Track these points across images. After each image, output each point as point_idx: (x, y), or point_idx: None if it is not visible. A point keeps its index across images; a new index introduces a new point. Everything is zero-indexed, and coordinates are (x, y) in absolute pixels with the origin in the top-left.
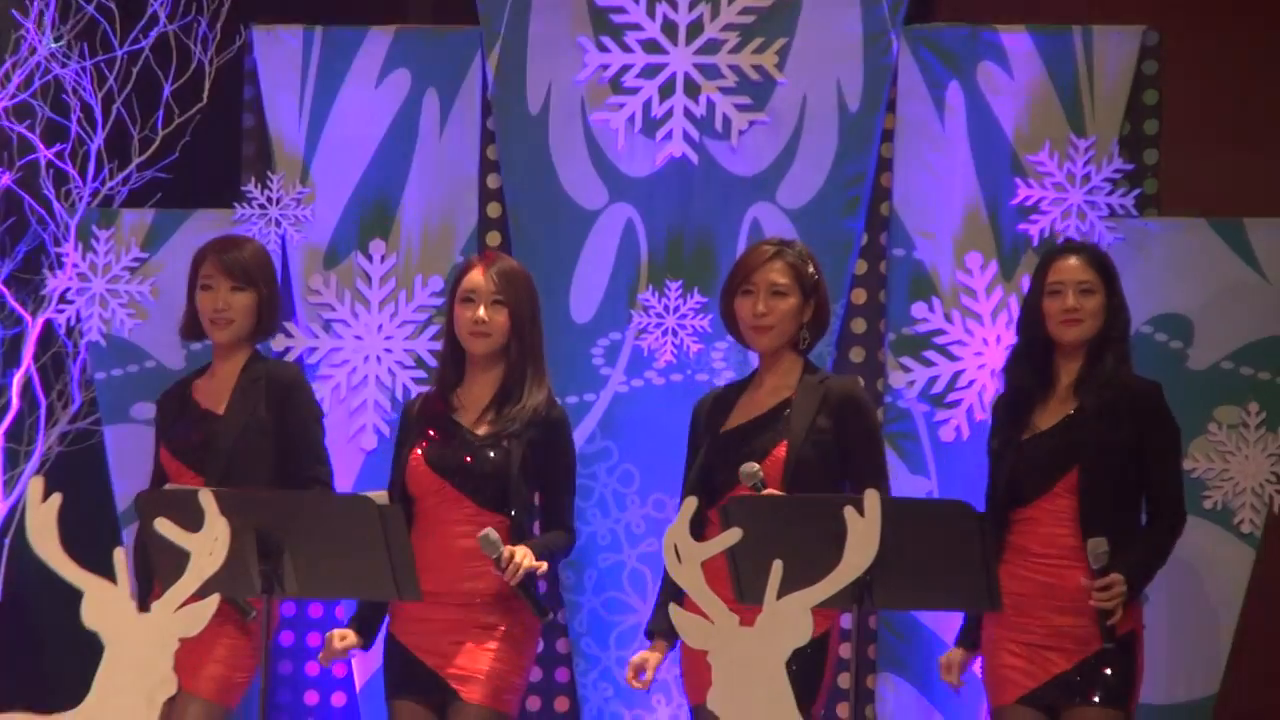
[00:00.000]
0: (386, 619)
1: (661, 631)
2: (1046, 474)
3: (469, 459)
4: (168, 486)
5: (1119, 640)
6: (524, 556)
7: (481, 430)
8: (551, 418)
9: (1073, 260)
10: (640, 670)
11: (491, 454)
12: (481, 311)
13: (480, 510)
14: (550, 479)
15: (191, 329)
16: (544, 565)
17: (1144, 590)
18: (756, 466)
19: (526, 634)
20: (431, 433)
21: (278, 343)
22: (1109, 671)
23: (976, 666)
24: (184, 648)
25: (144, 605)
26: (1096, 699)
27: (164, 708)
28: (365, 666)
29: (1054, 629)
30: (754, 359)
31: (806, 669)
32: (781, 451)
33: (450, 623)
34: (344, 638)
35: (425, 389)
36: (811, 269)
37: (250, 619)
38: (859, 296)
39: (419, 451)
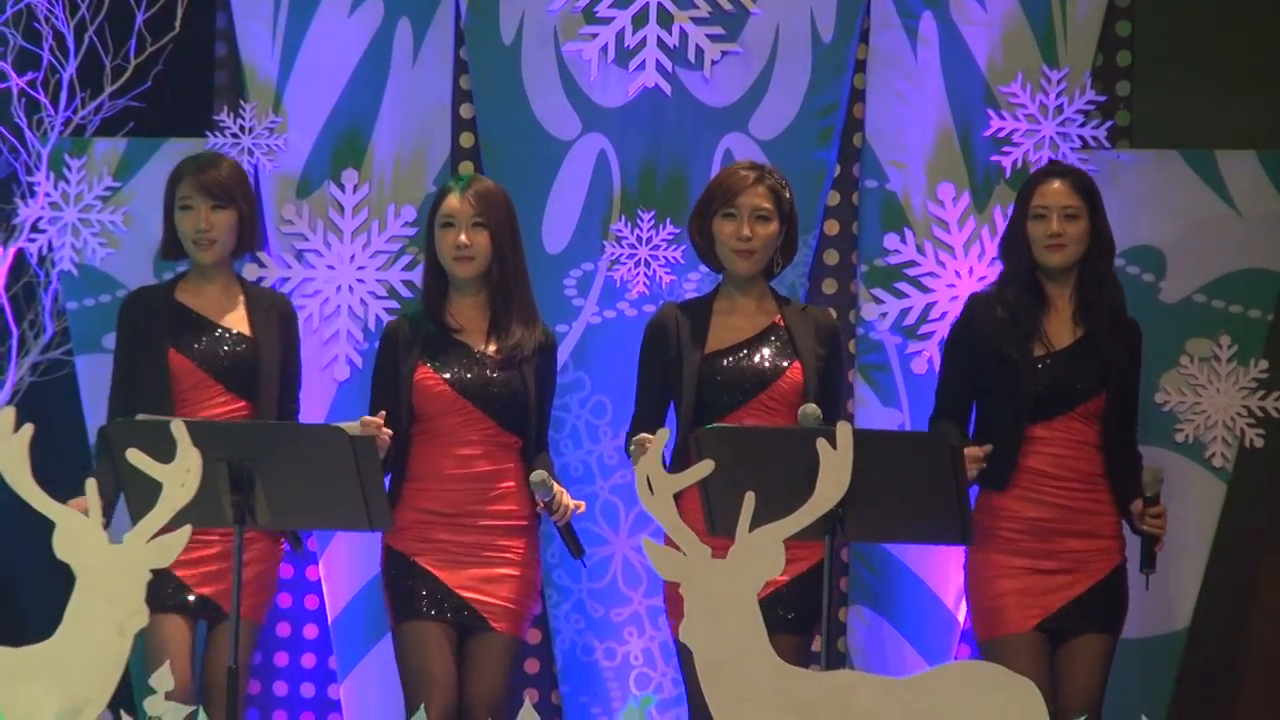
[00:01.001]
0: (385, 539)
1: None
2: (1072, 395)
3: (490, 381)
4: (140, 416)
5: (1114, 570)
6: (568, 497)
7: (492, 353)
8: (548, 344)
9: (1057, 184)
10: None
11: (509, 377)
12: (463, 236)
13: (500, 431)
14: (541, 401)
15: (171, 249)
16: (583, 505)
17: None
18: (817, 409)
19: (536, 559)
20: (438, 353)
21: (250, 271)
22: (1109, 598)
23: (952, 602)
24: (216, 575)
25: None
26: (1097, 626)
27: (189, 637)
28: (337, 597)
29: (1068, 554)
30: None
31: (807, 597)
32: (798, 375)
33: (469, 546)
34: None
35: (401, 313)
36: (788, 195)
37: (301, 551)
38: (831, 228)
39: (431, 371)
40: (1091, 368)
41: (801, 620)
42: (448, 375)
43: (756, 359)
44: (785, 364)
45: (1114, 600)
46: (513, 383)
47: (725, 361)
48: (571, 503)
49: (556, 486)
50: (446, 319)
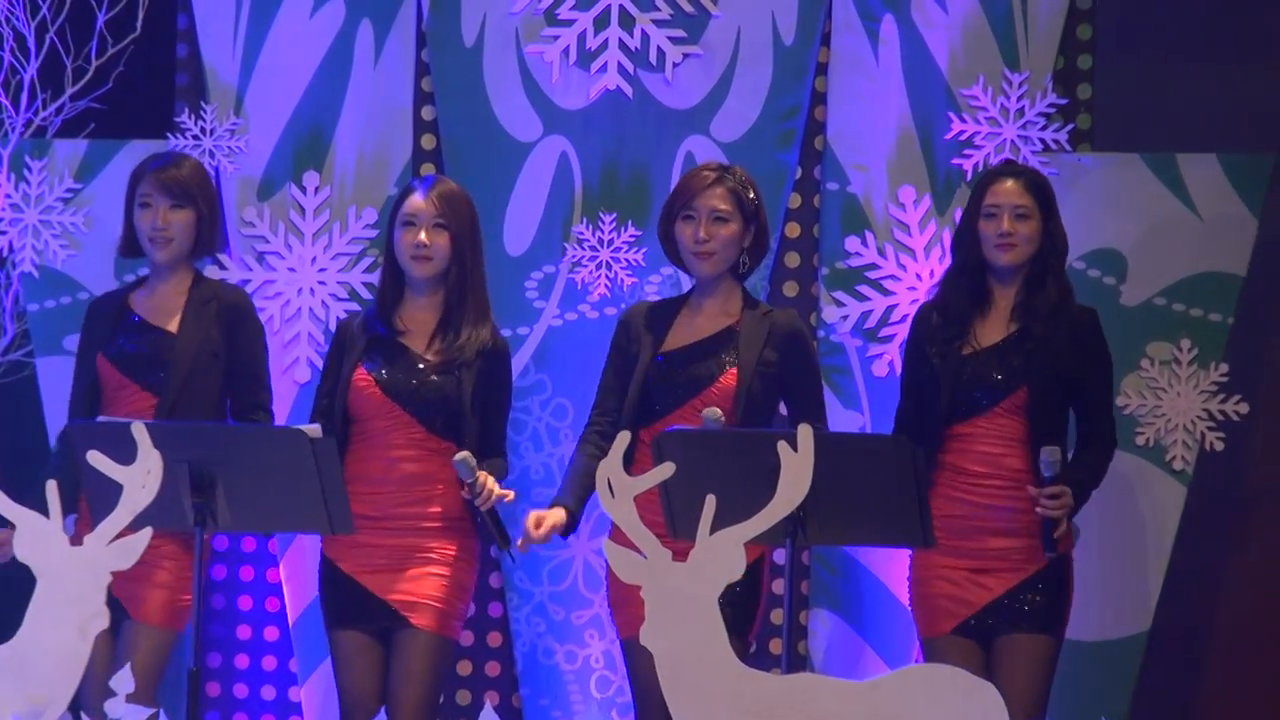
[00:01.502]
0: (322, 543)
1: (563, 502)
2: (992, 390)
3: (421, 385)
4: (101, 418)
5: (1049, 566)
6: (494, 483)
7: (431, 356)
8: (497, 347)
9: (1009, 184)
10: (539, 521)
11: (443, 382)
12: (423, 235)
13: (429, 436)
14: (491, 407)
15: (129, 247)
16: (511, 494)
17: (1081, 507)
18: (719, 412)
19: (469, 558)
20: (378, 355)
21: (210, 274)
22: (1041, 597)
23: (905, 599)
24: (125, 577)
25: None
26: (1029, 625)
27: (107, 640)
28: (298, 600)
29: (989, 552)
30: (687, 284)
31: (742, 598)
32: (731, 380)
33: (393, 549)
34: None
35: (359, 310)
36: (752, 194)
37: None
38: (793, 230)
39: (365, 372)
40: (1012, 362)
41: (739, 620)
42: (380, 377)
43: (700, 365)
44: (719, 370)
45: (1048, 599)
46: (445, 387)
47: (669, 364)
48: (498, 490)
49: (482, 473)
50: (395, 321)
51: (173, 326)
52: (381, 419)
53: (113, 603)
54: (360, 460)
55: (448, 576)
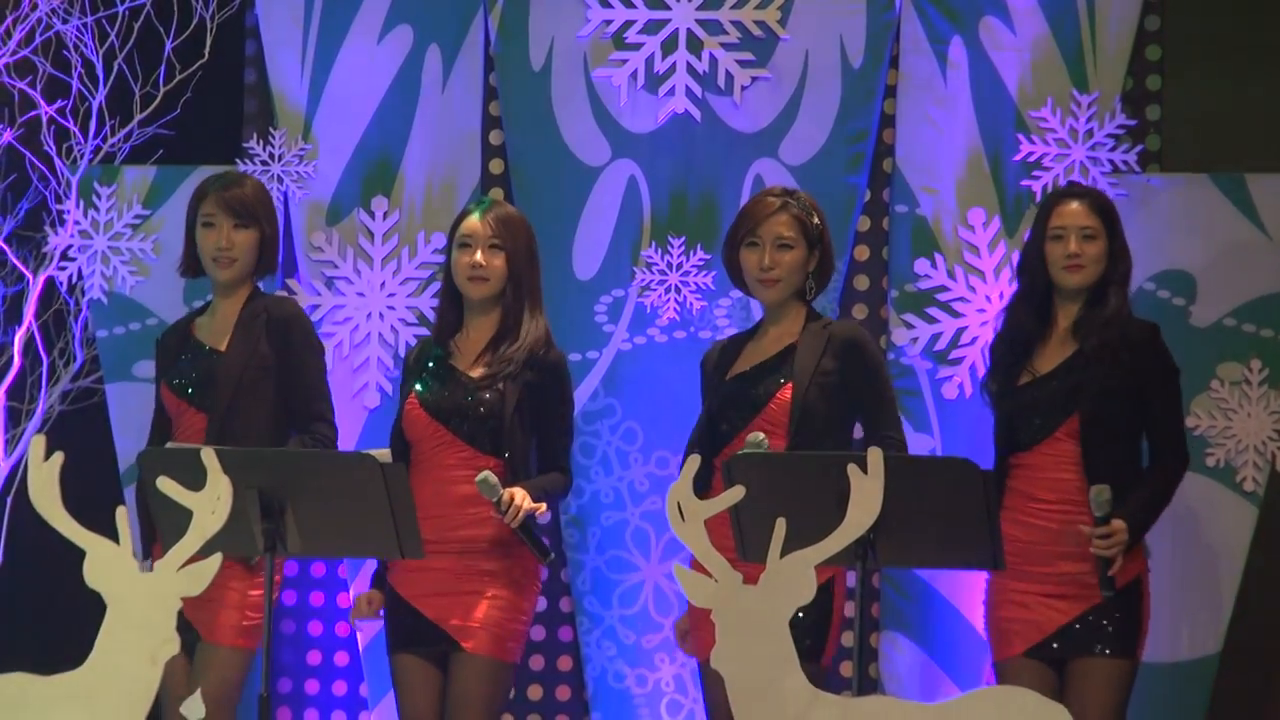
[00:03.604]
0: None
1: None
2: (1047, 419)
3: (466, 403)
4: (170, 445)
5: (1124, 589)
6: (522, 498)
7: (477, 373)
8: (549, 359)
9: (1075, 205)
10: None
11: (486, 395)
12: (479, 256)
13: (477, 454)
14: (547, 421)
15: (190, 266)
16: (542, 507)
17: (1147, 532)
18: (762, 436)
19: (527, 579)
20: (429, 378)
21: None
22: (1116, 620)
23: (980, 624)
24: (195, 603)
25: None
26: (1104, 649)
27: (184, 665)
28: (368, 626)
29: (1061, 576)
30: (757, 311)
31: (815, 621)
32: (786, 394)
33: (448, 572)
34: (371, 600)
35: (427, 335)
36: (816, 219)
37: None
38: (862, 253)
39: (415, 397)
40: (1065, 388)
41: (813, 644)
42: (427, 400)
43: (760, 385)
44: (776, 387)
45: (1122, 622)
46: (490, 403)
47: (732, 387)
48: (527, 504)
49: (506, 490)
50: (451, 343)
51: (223, 345)
52: (430, 441)
53: (183, 625)
54: (416, 485)
55: (503, 599)
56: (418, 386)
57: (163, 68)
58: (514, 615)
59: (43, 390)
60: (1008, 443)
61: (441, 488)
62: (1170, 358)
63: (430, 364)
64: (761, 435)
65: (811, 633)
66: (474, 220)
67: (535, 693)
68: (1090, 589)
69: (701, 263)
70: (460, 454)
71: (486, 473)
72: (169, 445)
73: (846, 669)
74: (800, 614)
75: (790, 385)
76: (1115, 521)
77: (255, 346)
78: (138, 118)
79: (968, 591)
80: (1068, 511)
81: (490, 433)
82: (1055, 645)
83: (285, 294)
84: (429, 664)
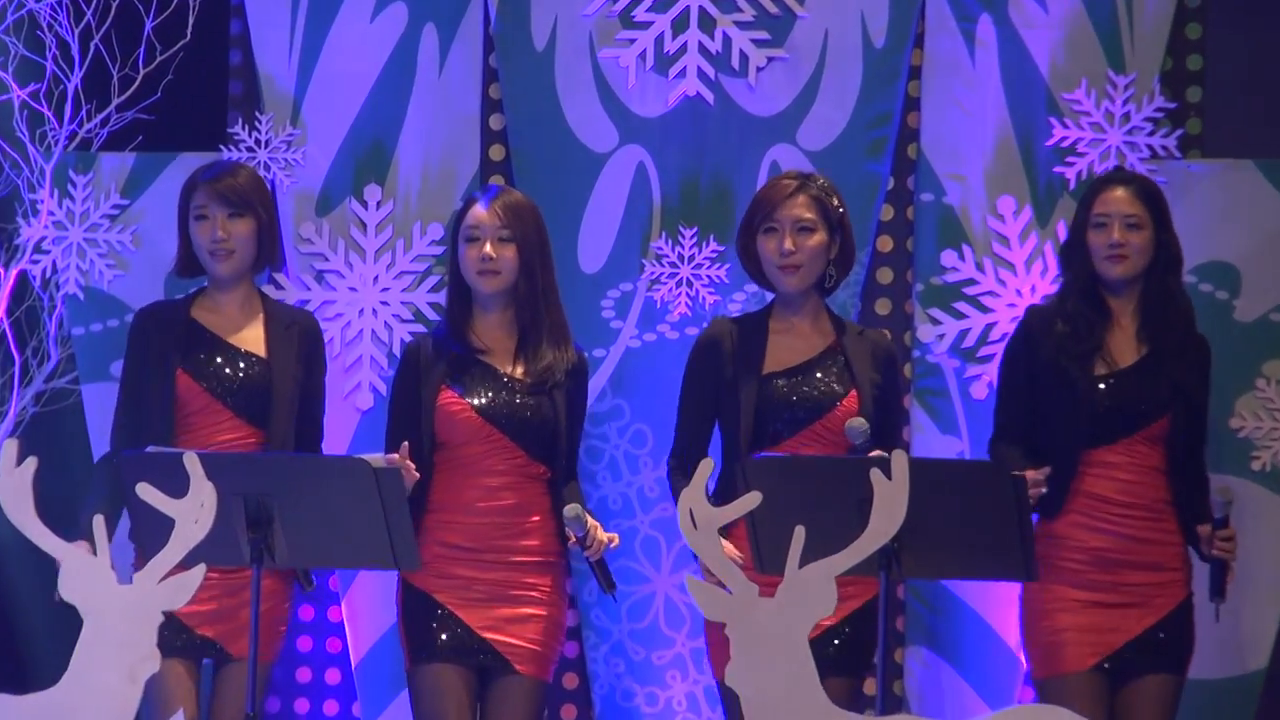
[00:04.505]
0: (402, 576)
1: None
2: (1134, 417)
3: (519, 407)
4: (150, 449)
5: (1181, 603)
6: (602, 531)
7: (520, 376)
8: (580, 366)
9: (1120, 192)
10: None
11: (541, 403)
12: (488, 248)
13: (530, 461)
14: (569, 425)
15: (187, 265)
16: (617, 539)
17: None
18: (863, 421)
19: (564, 598)
20: (462, 376)
21: (266, 293)
22: (1172, 635)
23: (1015, 643)
24: (217, 616)
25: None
26: (1161, 666)
27: (190, 691)
28: (361, 640)
29: (1129, 587)
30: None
31: (857, 639)
32: (853, 404)
33: (491, 583)
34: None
35: (425, 332)
36: (836, 202)
37: (310, 589)
38: (885, 244)
39: (456, 395)
40: (1157, 388)
41: (853, 662)
42: (474, 400)
43: (812, 385)
44: (842, 392)
45: (1180, 638)
46: (544, 409)
47: (782, 386)
48: (605, 536)
49: (591, 520)
50: (471, 339)
51: (261, 351)
52: (478, 444)
53: (206, 646)
54: (454, 488)
55: (545, 617)
56: (452, 385)
57: (142, 48)
58: (557, 635)
59: (15, 391)
60: (1089, 438)
61: (487, 493)
62: (1210, 377)
63: (457, 361)
64: (863, 421)
65: (853, 651)
66: (480, 210)
67: None
68: (1154, 602)
69: (715, 255)
70: (513, 460)
71: (575, 506)
72: (149, 449)
73: (870, 686)
74: (847, 629)
75: (855, 394)
76: (1231, 526)
77: (295, 360)
78: (116, 101)
79: (998, 604)
80: (1142, 518)
81: (546, 442)
82: (1119, 660)
83: (281, 300)
84: (468, 673)
